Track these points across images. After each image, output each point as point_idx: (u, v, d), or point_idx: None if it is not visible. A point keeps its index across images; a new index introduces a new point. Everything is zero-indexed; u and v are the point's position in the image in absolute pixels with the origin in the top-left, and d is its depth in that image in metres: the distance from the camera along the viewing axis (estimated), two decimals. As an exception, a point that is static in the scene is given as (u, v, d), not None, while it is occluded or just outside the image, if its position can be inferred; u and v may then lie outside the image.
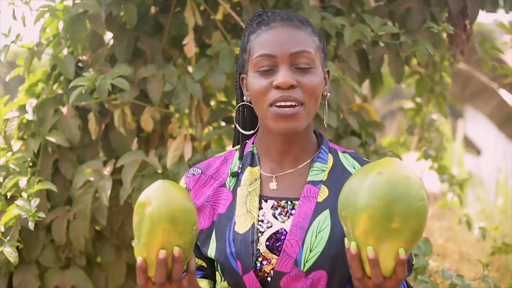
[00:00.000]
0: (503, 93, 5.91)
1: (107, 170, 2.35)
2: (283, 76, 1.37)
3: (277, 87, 1.37)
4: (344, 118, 2.49)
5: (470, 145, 10.06)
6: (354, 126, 2.48)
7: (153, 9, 2.65)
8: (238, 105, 1.55)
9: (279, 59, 1.39)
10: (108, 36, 2.67)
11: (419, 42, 2.33)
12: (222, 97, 2.93)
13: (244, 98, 1.50)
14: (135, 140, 2.70)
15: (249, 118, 1.56)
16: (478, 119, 9.32)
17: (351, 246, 1.21)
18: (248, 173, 1.47)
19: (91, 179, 2.33)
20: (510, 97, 5.79)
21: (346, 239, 1.24)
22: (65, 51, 2.53)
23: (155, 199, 1.26)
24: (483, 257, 4.38)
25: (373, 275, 1.20)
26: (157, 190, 1.28)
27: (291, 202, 1.43)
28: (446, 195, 3.82)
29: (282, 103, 1.37)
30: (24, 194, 2.18)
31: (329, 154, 1.49)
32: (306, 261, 1.36)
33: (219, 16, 2.66)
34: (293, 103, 1.37)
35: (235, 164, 1.51)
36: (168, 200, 1.26)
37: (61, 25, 2.52)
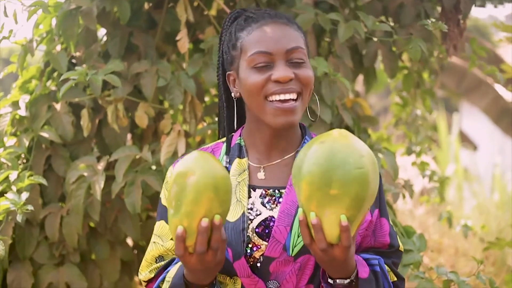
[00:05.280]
0: (498, 87, 5.92)
1: (100, 165, 2.35)
2: (283, 71, 1.41)
3: (276, 81, 1.41)
4: (338, 114, 2.49)
5: (466, 141, 10.05)
6: (348, 121, 2.48)
7: (146, 5, 2.64)
8: (232, 101, 1.56)
9: (276, 56, 1.42)
10: (102, 32, 2.66)
11: (413, 40, 2.32)
12: (216, 92, 2.92)
13: (233, 94, 1.52)
14: (129, 136, 2.69)
15: (237, 114, 1.57)
16: (474, 114, 9.32)
17: (298, 212, 1.25)
18: (237, 164, 1.51)
19: (85, 174, 2.33)
20: (506, 91, 5.81)
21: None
22: (58, 48, 2.53)
23: (199, 168, 1.25)
24: (478, 252, 4.38)
25: (317, 240, 1.23)
26: (197, 159, 1.28)
27: (279, 191, 1.47)
28: (437, 191, 3.83)
29: (282, 96, 1.41)
30: (14, 188, 2.17)
31: None
32: (295, 246, 1.40)
33: (213, 12, 2.65)
34: (292, 95, 1.41)
35: (222, 158, 1.54)
36: (211, 169, 1.26)
37: (54, 21, 2.51)
